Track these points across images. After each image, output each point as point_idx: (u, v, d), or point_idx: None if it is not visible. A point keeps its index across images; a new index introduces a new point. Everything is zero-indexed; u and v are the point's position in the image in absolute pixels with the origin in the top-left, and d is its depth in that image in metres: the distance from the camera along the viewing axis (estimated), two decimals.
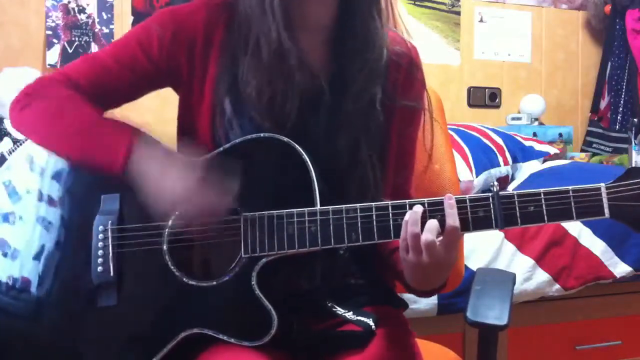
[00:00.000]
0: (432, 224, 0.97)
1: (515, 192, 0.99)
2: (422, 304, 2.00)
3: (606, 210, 0.97)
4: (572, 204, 0.98)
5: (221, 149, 1.08)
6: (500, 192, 0.99)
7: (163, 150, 1.06)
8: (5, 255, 1.11)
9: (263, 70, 1.08)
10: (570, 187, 0.98)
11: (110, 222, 1.08)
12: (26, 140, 1.18)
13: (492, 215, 0.99)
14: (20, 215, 1.13)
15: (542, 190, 0.98)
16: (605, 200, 0.97)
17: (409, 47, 1.21)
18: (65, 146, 1.09)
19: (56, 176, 1.13)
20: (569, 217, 0.98)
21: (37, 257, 1.10)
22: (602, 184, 0.97)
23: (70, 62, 1.18)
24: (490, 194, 1.00)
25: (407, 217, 0.98)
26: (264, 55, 1.08)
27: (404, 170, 1.21)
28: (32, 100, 1.11)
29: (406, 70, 1.18)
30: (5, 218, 1.13)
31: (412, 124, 1.21)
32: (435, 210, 1.00)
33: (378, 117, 1.13)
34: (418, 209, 0.98)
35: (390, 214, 1.01)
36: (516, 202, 0.99)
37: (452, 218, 0.97)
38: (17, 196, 1.14)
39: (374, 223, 1.01)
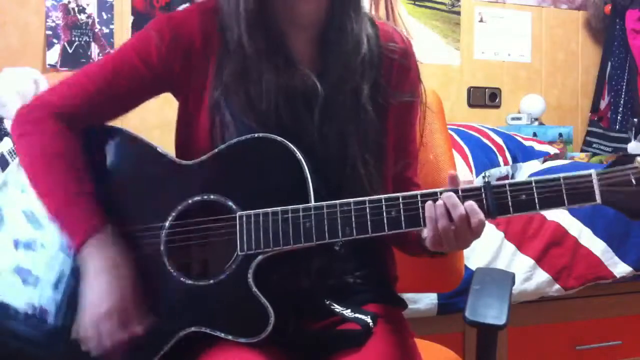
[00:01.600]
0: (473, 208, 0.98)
1: (506, 182, 1.00)
2: (422, 304, 2.00)
3: (597, 196, 0.97)
4: (564, 190, 0.98)
5: (216, 150, 1.09)
6: (491, 183, 1.00)
7: (107, 260, 1.06)
8: (25, 282, 1.12)
9: (236, 71, 1.10)
10: (561, 175, 0.98)
11: (109, 228, 1.08)
12: None
13: (485, 205, 0.99)
14: (42, 243, 1.13)
15: (533, 178, 0.99)
16: (596, 187, 0.97)
17: (403, 38, 1.21)
18: (41, 199, 1.10)
19: None
20: (561, 204, 0.98)
21: (56, 285, 1.11)
22: (593, 170, 0.98)
23: (68, 77, 1.17)
24: (481, 184, 1.00)
25: (432, 212, 0.99)
26: (236, 56, 1.10)
27: (404, 158, 1.22)
28: (22, 136, 1.13)
29: (399, 61, 1.18)
30: (28, 246, 1.14)
31: (409, 112, 1.21)
32: (427, 202, 1.00)
33: (367, 113, 1.13)
34: (443, 199, 0.99)
35: (384, 207, 1.01)
36: (508, 192, 0.99)
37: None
38: (37, 223, 1.14)
39: (368, 217, 1.01)
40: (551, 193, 0.98)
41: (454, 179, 1.01)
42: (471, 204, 0.98)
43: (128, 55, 1.14)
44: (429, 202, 1.00)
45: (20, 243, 1.14)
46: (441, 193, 1.00)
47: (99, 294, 1.04)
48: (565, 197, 0.98)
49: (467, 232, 0.99)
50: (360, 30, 1.14)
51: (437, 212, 0.99)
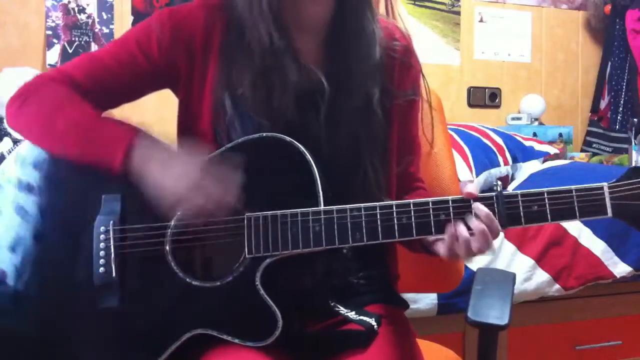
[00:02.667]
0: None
1: (518, 191, 1.00)
2: (423, 304, 2.00)
3: (609, 210, 0.97)
4: (575, 203, 0.98)
5: (223, 148, 1.08)
6: (503, 192, 0.99)
7: (164, 147, 1.06)
8: None
9: (256, 68, 1.09)
10: (573, 187, 0.98)
11: (112, 222, 1.07)
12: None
13: (496, 215, 0.99)
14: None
15: (545, 190, 0.99)
16: (607, 200, 0.97)
17: (404, 34, 1.21)
18: (62, 143, 1.08)
19: (37, 164, 1.12)
20: (572, 217, 0.99)
21: (12, 248, 1.09)
22: (605, 184, 0.98)
23: (70, 61, 1.17)
24: (494, 194, 1.00)
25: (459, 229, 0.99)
26: (256, 53, 1.09)
27: (407, 154, 1.22)
28: (28, 98, 1.11)
29: (401, 59, 1.18)
30: None
31: (411, 108, 1.21)
32: (439, 209, 1.00)
33: (377, 117, 1.13)
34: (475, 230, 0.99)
35: (395, 214, 1.01)
36: (520, 202, 0.99)
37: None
38: None
39: (379, 223, 1.01)
40: (563, 205, 0.99)
41: (471, 195, 1.01)
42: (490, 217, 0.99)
43: (130, 48, 1.13)
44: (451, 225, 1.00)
45: None
46: (453, 201, 1.00)
47: (182, 163, 1.01)
48: (577, 210, 0.98)
49: (486, 248, 1.00)
50: (375, 34, 1.13)
51: (478, 230, 0.99)
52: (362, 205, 1.02)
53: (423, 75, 1.22)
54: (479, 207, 0.99)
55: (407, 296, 1.22)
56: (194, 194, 1.00)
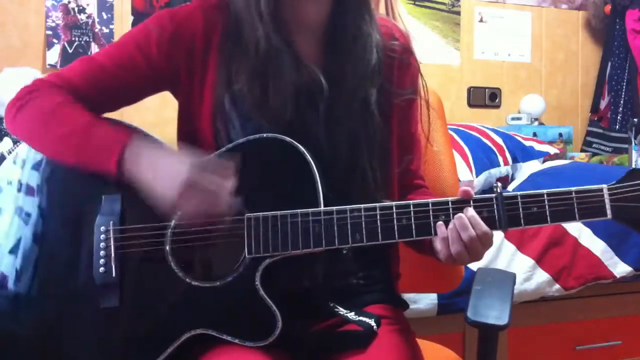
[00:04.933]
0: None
1: (518, 193, 1.00)
2: (422, 304, 2.00)
3: (608, 211, 0.97)
4: (575, 205, 0.98)
5: (224, 149, 1.08)
6: (503, 193, 0.99)
7: (156, 149, 1.05)
8: None
9: (253, 68, 1.09)
10: (572, 189, 0.98)
11: (112, 222, 1.08)
12: None
13: (496, 216, 0.99)
14: (0, 208, 1.12)
15: (545, 191, 0.99)
16: (607, 201, 0.97)
17: (403, 33, 1.21)
18: (60, 148, 1.08)
19: (36, 166, 1.13)
20: (572, 218, 0.99)
21: (13, 250, 1.09)
22: (605, 185, 0.98)
23: (68, 65, 1.17)
24: (493, 195, 1.00)
25: (444, 234, 1.00)
26: (253, 53, 1.08)
27: (408, 153, 1.22)
28: (24, 106, 1.11)
29: (400, 59, 1.18)
30: None
31: (410, 107, 1.21)
32: (439, 210, 1.00)
33: (375, 117, 1.13)
34: (454, 222, 0.99)
35: (395, 215, 1.01)
36: (519, 203, 0.99)
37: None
38: None
39: (378, 223, 1.01)
40: (563, 207, 0.99)
41: (467, 193, 1.01)
42: (479, 223, 0.99)
43: (129, 49, 1.13)
44: (441, 224, 1.00)
45: None
46: (452, 202, 1.00)
47: (179, 161, 1.01)
48: (576, 212, 0.98)
49: (480, 249, 1.00)
50: (372, 34, 1.13)
51: (450, 237, 1.00)
52: (362, 206, 1.02)
53: (421, 74, 1.22)
54: (467, 210, 1.00)
55: (407, 296, 1.22)
56: (186, 196, 0.99)
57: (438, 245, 1.02)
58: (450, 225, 1.00)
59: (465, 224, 0.99)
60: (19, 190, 1.12)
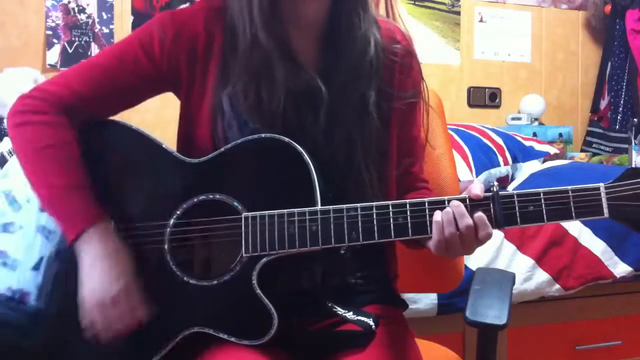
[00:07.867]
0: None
1: (514, 192, 1.00)
2: (422, 304, 2.00)
3: (605, 210, 0.97)
4: (572, 203, 0.98)
5: (222, 149, 1.09)
6: (499, 192, 0.99)
7: (105, 250, 1.05)
8: (4, 265, 1.11)
9: (246, 70, 1.09)
10: (569, 187, 0.98)
11: (112, 222, 1.08)
12: None
13: (492, 215, 0.99)
14: (20, 225, 1.12)
15: (541, 190, 0.99)
16: (604, 200, 0.97)
17: (405, 35, 1.21)
18: (35, 187, 1.09)
19: None
20: (569, 217, 0.98)
21: (36, 267, 1.10)
22: (601, 184, 0.98)
23: (69, 68, 1.17)
24: (490, 194, 1.00)
25: (439, 217, 0.99)
26: (246, 56, 1.09)
27: (409, 156, 1.21)
28: (22, 125, 1.11)
29: (401, 62, 1.18)
30: (5, 228, 1.12)
31: (411, 110, 1.21)
32: (435, 209, 1.00)
33: (373, 119, 1.12)
34: (451, 208, 0.99)
35: (391, 214, 1.01)
36: (516, 202, 0.99)
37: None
38: (17, 205, 1.13)
39: (375, 222, 1.01)
40: (559, 205, 0.99)
41: (477, 196, 1.01)
42: (481, 217, 0.99)
43: (132, 49, 1.13)
44: (437, 212, 1.00)
45: None
46: (449, 201, 1.00)
47: (103, 280, 1.04)
48: (573, 211, 0.98)
49: (473, 241, 1.00)
50: (368, 32, 1.13)
51: (444, 219, 0.99)
52: (358, 205, 1.02)
53: (422, 77, 1.22)
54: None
55: (407, 296, 1.22)
56: (95, 310, 1.04)
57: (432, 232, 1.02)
58: (447, 209, 1.00)
59: (462, 212, 0.99)
60: (42, 209, 1.12)
